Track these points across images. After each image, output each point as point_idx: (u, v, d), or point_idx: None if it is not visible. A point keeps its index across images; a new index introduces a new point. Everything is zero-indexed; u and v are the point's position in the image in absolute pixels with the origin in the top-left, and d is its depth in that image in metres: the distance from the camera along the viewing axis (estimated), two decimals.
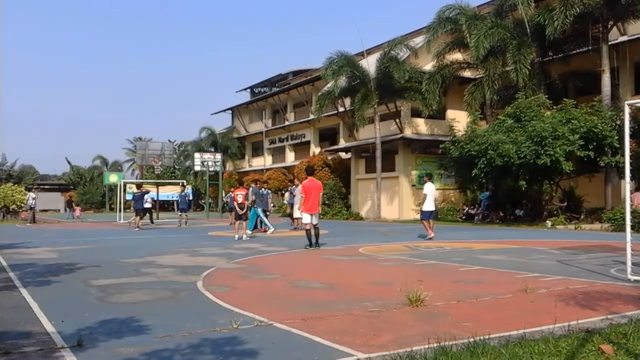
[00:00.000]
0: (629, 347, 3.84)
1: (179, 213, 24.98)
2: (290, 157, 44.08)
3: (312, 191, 11.97)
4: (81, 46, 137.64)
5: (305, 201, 12.03)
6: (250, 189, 17.38)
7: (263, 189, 19.21)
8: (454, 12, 25.47)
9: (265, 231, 17.74)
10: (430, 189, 14.92)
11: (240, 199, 15.77)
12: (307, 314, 5.16)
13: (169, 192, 37.48)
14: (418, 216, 27.56)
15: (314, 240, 12.00)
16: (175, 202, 34.57)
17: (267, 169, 44.75)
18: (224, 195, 38.03)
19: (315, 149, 39.96)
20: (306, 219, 12.10)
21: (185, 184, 28.53)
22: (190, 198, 25.11)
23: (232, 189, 28.27)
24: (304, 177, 14.00)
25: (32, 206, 27.85)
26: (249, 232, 16.54)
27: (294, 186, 22.07)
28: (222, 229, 21.37)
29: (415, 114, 29.15)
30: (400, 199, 29.14)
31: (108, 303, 5.97)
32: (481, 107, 25.42)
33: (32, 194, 28.25)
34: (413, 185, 29.09)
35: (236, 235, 15.31)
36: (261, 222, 18.33)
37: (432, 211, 15.18)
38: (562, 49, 24.16)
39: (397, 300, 5.67)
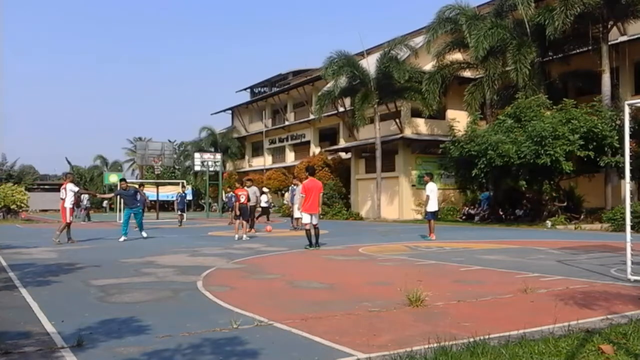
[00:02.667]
0: (629, 347, 3.84)
1: (179, 213, 25.06)
2: (290, 157, 44.09)
3: (313, 191, 11.97)
4: (81, 46, 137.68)
5: (305, 201, 12.04)
6: (251, 188, 17.37)
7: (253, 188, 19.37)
8: (454, 12, 25.48)
9: (250, 231, 17.37)
10: (432, 189, 14.72)
11: (242, 199, 15.73)
12: (307, 314, 5.16)
13: (168, 192, 37.59)
14: (418, 216, 27.82)
15: (314, 241, 12.01)
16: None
17: (267, 169, 44.75)
18: (223, 195, 38.05)
19: (315, 149, 39.97)
20: (306, 219, 12.11)
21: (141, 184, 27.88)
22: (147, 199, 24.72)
23: (233, 189, 28.25)
24: (304, 177, 13.98)
25: (86, 206, 29.37)
26: (122, 239, 15.01)
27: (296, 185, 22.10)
28: (222, 229, 21.37)
29: (415, 114, 29.16)
30: (400, 199, 29.14)
31: (108, 303, 5.97)
32: (481, 107, 25.43)
33: (85, 196, 29.54)
34: (413, 185, 29.11)
35: (236, 235, 15.31)
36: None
37: (436, 211, 14.98)
38: (562, 49, 24.16)
39: (397, 300, 5.67)
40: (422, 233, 17.60)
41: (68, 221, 14.31)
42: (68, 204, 14.23)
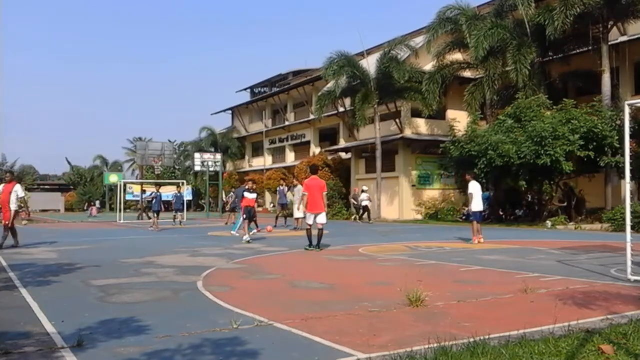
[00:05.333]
0: (629, 347, 3.84)
1: (174, 212, 25.04)
2: (290, 157, 44.08)
3: (313, 190, 11.66)
4: (81, 46, 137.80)
5: (308, 200, 11.72)
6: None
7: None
8: (454, 12, 25.48)
9: (259, 231, 17.63)
10: (477, 188, 13.79)
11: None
12: (307, 314, 5.16)
13: (168, 192, 37.71)
14: (418, 216, 27.84)
15: (314, 241, 11.71)
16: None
17: (267, 169, 44.75)
18: (223, 195, 38.04)
19: (315, 149, 39.96)
20: (309, 219, 11.81)
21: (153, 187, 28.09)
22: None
23: (233, 189, 28.21)
24: (304, 177, 13.85)
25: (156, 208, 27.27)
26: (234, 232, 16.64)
27: (284, 187, 22.15)
28: (222, 229, 21.36)
29: (415, 114, 29.15)
30: (400, 199, 29.13)
31: (108, 303, 5.96)
32: (481, 107, 25.42)
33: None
34: (413, 185, 29.10)
35: (245, 236, 14.38)
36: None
37: (480, 211, 13.92)
38: (562, 49, 24.16)
39: (397, 300, 5.67)
40: (423, 233, 17.60)
41: (10, 225, 13.18)
42: (14, 206, 13.07)
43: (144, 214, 29.37)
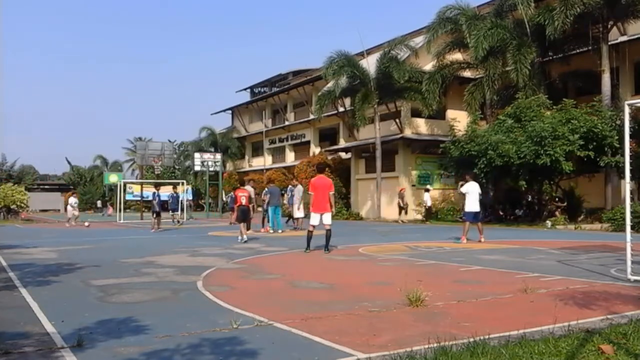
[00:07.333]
0: (629, 347, 3.84)
1: (171, 213, 25.01)
2: (290, 157, 44.06)
3: (319, 189, 11.24)
4: (81, 46, 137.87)
5: (314, 199, 11.33)
6: (266, 189, 18.06)
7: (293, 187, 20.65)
8: (454, 12, 25.47)
9: (267, 230, 17.79)
10: (471, 188, 13.69)
11: (243, 201, 14.86)
12: (307, 314, 5.16)
13: (166, 192, 37.77)
14: (418, 216, 27.81)
15: (324, 243, 11.37)
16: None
17: (267, 169, 44.73)
18: (224, 195, 38.03)
19: (315, 149, 39.95)
20: (313, 219, 11.30)
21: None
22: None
23: (234, 189, 28.12)
24: (304, 177, 13.74)
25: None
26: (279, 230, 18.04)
27: (293, 186, 22.22)
28: (222, 229, 21.36)
29: (415, 114, 29.12)
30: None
31: (108, 303, 5.96)
32: (481, 107, 25.41)
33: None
34: (413, 185, 29.08)
35: (239, 238, 14.37)
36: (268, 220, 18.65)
37: (473, 212, 13.76)
38: (562, 49, 24.16)
39: (397, 300, 5.66)
40: (423, 233, 17.62)
41: None
42: None
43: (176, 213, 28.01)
